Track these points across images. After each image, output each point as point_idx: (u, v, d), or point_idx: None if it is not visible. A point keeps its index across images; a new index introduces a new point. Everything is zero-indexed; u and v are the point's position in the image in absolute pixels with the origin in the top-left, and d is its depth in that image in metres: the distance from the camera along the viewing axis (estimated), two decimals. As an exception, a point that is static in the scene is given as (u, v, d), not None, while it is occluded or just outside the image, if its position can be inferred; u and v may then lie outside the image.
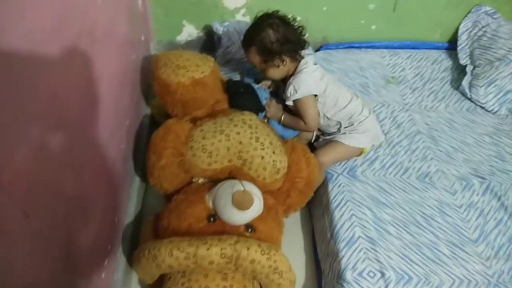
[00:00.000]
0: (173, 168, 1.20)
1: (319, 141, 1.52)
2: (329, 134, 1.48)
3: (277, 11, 1.36)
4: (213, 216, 1.13)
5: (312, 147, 1.51)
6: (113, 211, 1.21)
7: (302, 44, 1.38)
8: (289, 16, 1.37)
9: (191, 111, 1.37)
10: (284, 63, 1.35)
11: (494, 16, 1.83)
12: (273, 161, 1.21)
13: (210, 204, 1.16)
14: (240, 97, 1.43)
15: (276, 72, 1.39)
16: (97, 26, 1.04)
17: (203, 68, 1.34)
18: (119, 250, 1.26)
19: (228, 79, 1.48)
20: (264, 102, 1.46)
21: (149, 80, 1.68)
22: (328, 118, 1.44)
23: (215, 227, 1.12)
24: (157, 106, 1.63)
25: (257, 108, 1.43)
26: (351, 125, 1.42)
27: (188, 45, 1.90)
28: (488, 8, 1.84)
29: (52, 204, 0.77)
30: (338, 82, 1.47)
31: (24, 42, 0.63)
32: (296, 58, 1.38)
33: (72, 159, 0.87)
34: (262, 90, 1.50)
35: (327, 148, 1.42)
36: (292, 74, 1.39)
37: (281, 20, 1.33)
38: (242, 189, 1.11)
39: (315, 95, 1.38)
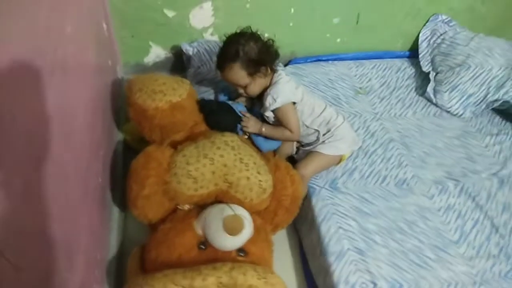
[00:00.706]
0: (158, 197, 1.16)
1: (299, 153, 1.53)
2: (308, 144, 1.49)
3: (248, 28, 1.39)
4: (204, 243, 1.11)
5: (293, 160, 1.51)
6: (95, 248, 1.15)
7: (277, 55, 1.43)
8: (257, 32, 1.40)
9: (170, 135, 1.34)
10: (268, 72, 1.38)
11: (450, 24, 1.94)
12: (259, 181, 1.20)
13: (200, 231, 1.13)
14: (215, 115, 1.42)
15: (257, 85, 1.39)
16: (68, 57, 0.99)
17: (180, 91, 1.31)
18: (104, 288, 1.20)
19: (200, 99, 1.46)
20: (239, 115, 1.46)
21: (119, 105, 1.63)
22: (306, 127, 1.45)
23: (207, 254, 1.09)
24: (130, 131, 1.59)
25: (234, 120, 1.43)
26: (328, 132, 1.44)
27: (156, 66, 1.86)
28: (444, 17, 1.94)
29: (39, 253, 0.71)
30: (310, 92, 1.51)
31: None
32: (274, 69, 1.41)
33: (53, 201, 0.81)
34: (237, 105, 1.48)
35: (307, 160, 1.44)
36: (268, 87, 1.41)
37: (255, 35, 1.38)
38: (232, 213, 1.10)
39: (294, 103, 1.40)
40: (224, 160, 1.17)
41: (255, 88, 1.40)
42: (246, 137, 1.47)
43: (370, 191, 1.45)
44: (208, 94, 1.73)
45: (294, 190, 1.29)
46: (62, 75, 0.92)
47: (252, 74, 1.35)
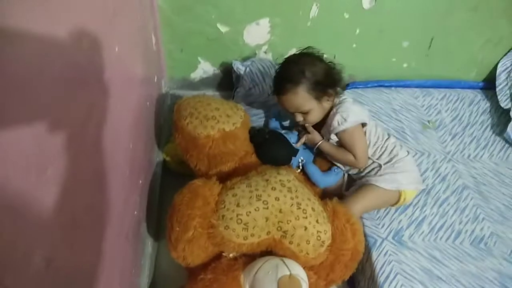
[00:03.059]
0: (202, 241, 1.00)
1: (350, 190, 1.34)
2: (363, 176, 1.31)
3: (309, 48, 1.26)
4: (252, 303, 0.94)
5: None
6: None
7: (341, 76, 1.29)
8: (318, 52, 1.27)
9: (218, 166, 1.19)
10: (334, 96, 1.25)
11: (536, 56, 1.70)
12: (318, 232, 1.03)
13: (247, 287, 0.96)
14: (267, 147, 1.27)
15: (321, 111, 1.25)
16: (115, 79, 0.86)
17: (234, 119, 1.17)
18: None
19: (250, 127, 1.30)
20: (291, 139, 1.31)
21: (161, 122, 1.50)
22: (368, 157, 1.28)
23: None
24: (172, 153, 1.45)
25: (289, 153, 1.28)
26: (389, 162, 1.27)
27: (203, 82, 1.73)
28: (530, 47, 1.70)
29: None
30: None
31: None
32: (339, 92, 1.28)
33: (87, 245, 0.68)
34: (291, 134, 1.32)
35: (359, 194, 1.24)
36: (330, 110, 1.26)
37: (318, 55, 1.25)
38: (288, 273, 0.93)
39: (363, 125, 1.26)
40: (280, 205, 1.01)
41: (318, 114, 1.25)
42: (299, 170, 1.30)
43: (441, 248, 1.24)
44: (258, 118, 1.58)
45: (356, 243, 1.10)
46: (104, 97, 0.79)
47: (318, 98, 1.21)
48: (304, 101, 1.19)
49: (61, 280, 0.58)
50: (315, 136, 1.30)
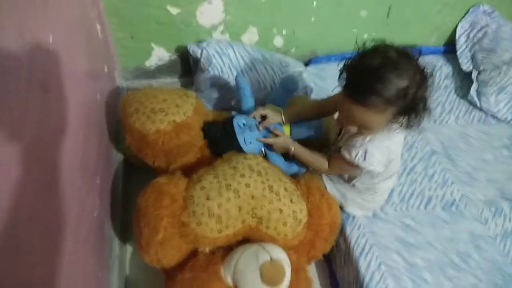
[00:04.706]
0: (174, 241, 0.95)
1: None
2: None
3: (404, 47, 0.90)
4: (236, 295, 0.91)
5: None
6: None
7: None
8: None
9: (177, 159, 1.13)
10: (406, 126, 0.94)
11: (493, 15, 1.69)
12: (293, 211, 1.00)
13: (229, 280, 0.93)
14: (217, 144, 1.18)
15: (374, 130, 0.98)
16: (51, 70, 0.78)
17: (184, 108, 1.09)
18: None
19: (204, 122, 1.19)
20: (247, 138, 1.16)
21: (117, 118, 1.42)
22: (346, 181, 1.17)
23: None
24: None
25: (238, 151, 1.15)
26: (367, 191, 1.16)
27: (159, 70, 1.64)
28: (486, 7, 1.69)
29: None
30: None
31: None
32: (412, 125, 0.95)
33: (35, 254, 0.62)
34: (250, 120, 1.20)
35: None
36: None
37: (419, 64, 0.90)
38: (269, 259, 0.89)
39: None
40: (251, 191, 0.97)
41: (370, 132, 0.98)
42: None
43: (413, 216, 1.24)
44: (220, 101, 1.52)
45: (332, 216, 1.09)
46: (42, 91, 0.71)
47: (395, 122, 0.93)
48: (381, 122, 0.92)
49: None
50: (287, 141, 1.15)
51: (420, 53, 0.90)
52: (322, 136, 1.27)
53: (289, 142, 1.16)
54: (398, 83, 0.84)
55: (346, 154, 1.03)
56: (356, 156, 1.01)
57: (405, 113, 0.90)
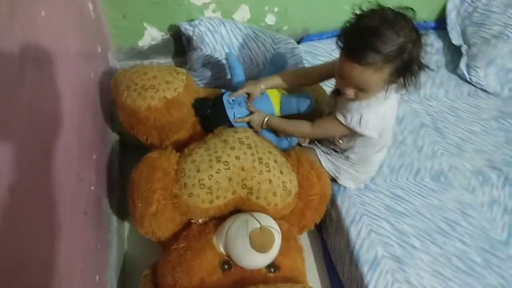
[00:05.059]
0: (167, 212, 0.99)
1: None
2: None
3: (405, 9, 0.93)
4: (227, 262, 0.95)
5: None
6: (93, 270, 0.98)
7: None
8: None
9: (169, 136, 1.16)
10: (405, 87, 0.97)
11: (483, -11, 1.70)
12: (283, 182, 1.03)
13: (221, 249, 0.97)
14: (208, 120, 1.20)
15: (372, 95, 1.00)
16: (43, 47, 0.80)
17: (175, 85, 1.11)
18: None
19: (194, 99, 1.21)
20: (237, 113, 1.19)
21: (112, 97, 1.44)
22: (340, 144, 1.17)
23: (233, 276, 0.94)
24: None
25: (229, 126, 1.18)
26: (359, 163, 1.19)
27: (153, 50, 1.66)
28: (476, -19, 1.71)
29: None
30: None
31: None
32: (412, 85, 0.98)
33: (34, 223, 0.65)
34: (242, 100, 1.22)
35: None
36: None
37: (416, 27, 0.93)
38: (258, 226, 0.93)
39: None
40: (241, 163, 0.99)
41: (367, 97, 0.99)
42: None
43: (403, 186, 1.28)
44: (214, 79, 1.53)
45: (322, 187, 1.12)
46: (35, 67, 0.73)
47: (392, 83, 0.95)
48: (378, 82, 0.92)
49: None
50: (261, 115, 1.18)
51: (414, 13, 0.93)
52: (313, 111, 1.29)
53: (263, 115, 1.18)
54: (396, 39, 0.86)
55: (341, 118, 1.06)
56: (351, 120, 1.03)
57: (401, 72, 0.92)
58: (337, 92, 1.11)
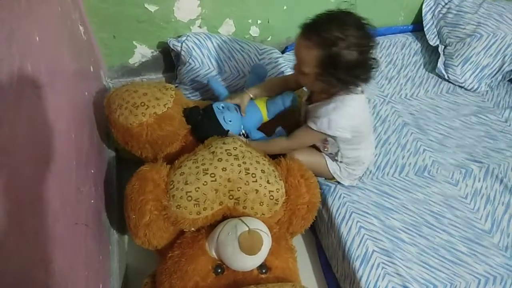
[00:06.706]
0: (160, 222, 1.03)
1: None
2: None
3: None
4: (220, 266, 1.00)
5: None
6: (95, 281, 1.03)
7: (368, 76, 1.07)
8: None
9: (163, 149, 1.21)
10: (341, 90, 1.09)
11: (455, -9, 1.79)
12: (270, 192, 1.08)
13: (213, 253, 1.01)
14: (199, 127, 1.26)
15: (314, 87, 1.13)
16: (40, 70, 0.85)
17: (164, 100, 1.17)
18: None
19: (184, 108, 1.27)
20: (227, 117, 1.26)
21: (107, 115, 1.49)
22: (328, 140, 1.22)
23: (226, 279, 0.98)
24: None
25: (220, 132, 1.24)
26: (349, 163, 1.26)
27: (144, 67, 1.72)
28: (448, -16, 1.79)
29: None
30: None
31: None
32: (350, 90, 1.09)
33: (37, 236, 0.70)
34: (229, 105, 1.30)
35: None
36: (336, 94, 1.11)
37: (368, 35, 1.01)
38: (247, 229, 0.97)
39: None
40: (227, 174, 1.04)
41: (310, 86, 1.15)
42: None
43: (389, 183, 1.34)
44: (204, 92, 1.60)
45: (310, 197, 1.16)
46: (33, 92, 0.78)
47: (321, 75, 1.04)
48: (309, 61, 1.02)
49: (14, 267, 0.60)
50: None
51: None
52: (297, 107, 1.34)
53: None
54: (334, 33, 0.97)
55: (312, 125, 1.13)
56: (321, 125, 1.11)
57: (327, 65, 1.00)
58: (308, 101, 1.20)
